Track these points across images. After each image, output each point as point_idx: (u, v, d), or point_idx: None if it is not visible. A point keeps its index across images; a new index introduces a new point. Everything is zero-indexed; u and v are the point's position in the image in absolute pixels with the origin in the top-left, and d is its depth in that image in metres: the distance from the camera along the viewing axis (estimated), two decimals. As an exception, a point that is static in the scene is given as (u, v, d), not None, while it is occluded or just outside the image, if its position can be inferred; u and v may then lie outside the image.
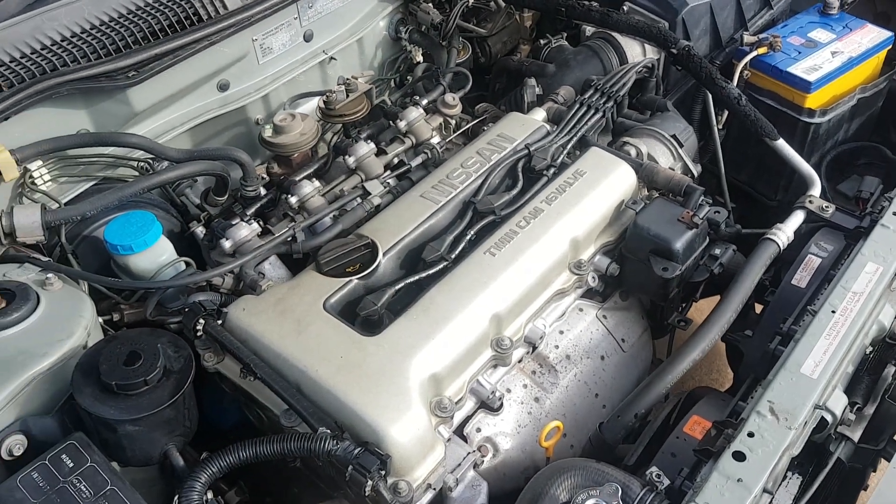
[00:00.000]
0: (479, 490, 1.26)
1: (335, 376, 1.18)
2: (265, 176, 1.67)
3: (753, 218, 1.78)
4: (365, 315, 1.28)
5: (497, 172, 1.52)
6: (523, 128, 1.60)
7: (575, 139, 1.59)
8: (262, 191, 1.62)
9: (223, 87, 1.76)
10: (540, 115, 1.67)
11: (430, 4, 2.03)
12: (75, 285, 1.31)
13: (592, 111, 1.63)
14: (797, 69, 1.79)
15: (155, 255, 1.40)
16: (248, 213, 1.55)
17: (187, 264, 1.42)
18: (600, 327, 1.52)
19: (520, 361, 1.42)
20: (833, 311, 1.27)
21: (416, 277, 1.34)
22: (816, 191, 1.59)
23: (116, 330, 1.38)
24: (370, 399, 1.16)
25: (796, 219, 1.52)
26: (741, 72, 1.82)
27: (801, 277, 1.51)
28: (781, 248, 1.48)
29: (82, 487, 1.05)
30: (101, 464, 1.06)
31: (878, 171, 1.88)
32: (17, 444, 1.11)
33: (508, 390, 1.38)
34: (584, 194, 1.47)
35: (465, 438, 1.31)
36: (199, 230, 1.58)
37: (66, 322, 1.20)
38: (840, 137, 1.91)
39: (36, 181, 1.48)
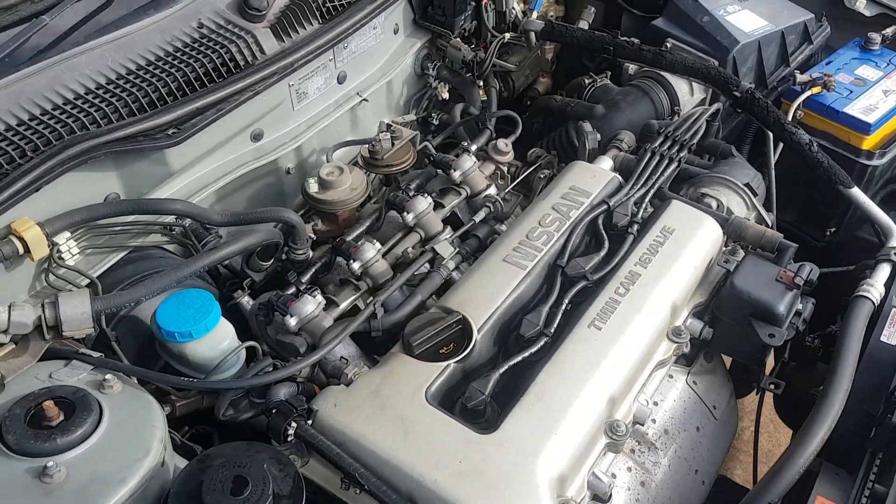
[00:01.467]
0: None
1: (457, 486, 1.04)
2: (312, 235, 1.52)
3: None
4: (472, 406, 1.14)
5: (578, 231, 1.40)
6: (595, 180, 1.50)
7: (653, 192, 1.49)
8: (310, 253, 1.47)
9: (257, 137, 1.59)
10: (607, 163, 1.57)
11: (460, 40, 1.91)
12: (132, 384, 1.14)
13: (666, 160, 1.54)
14: (853, 110, 1.74)
15: (216, 342, 1.23)
16: (303, 281, 1.40)
17: (251, 349, 1.25)
18: (692, 395, 1.43)
19: (636, 452, 1.31)
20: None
21: (520, 358, 1.21)
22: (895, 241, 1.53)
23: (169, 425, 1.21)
24: (500, 512, 1.03)
25: (884, 272, 1.46)
26: (795, 112, 1.76)
27: (891, 333, 1.45)
28: (876, 304, 1.41)
29: None
30: None
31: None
32: None
33: (614, 475, 1.27)
34: (678, 254, 1.37)
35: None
36: (246, 300, 1.42)
37: (139, 435, 1.03)
38: (888, 177, 1.88)
39: (63, 255, 1.29)
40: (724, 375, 1.51)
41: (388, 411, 1.12)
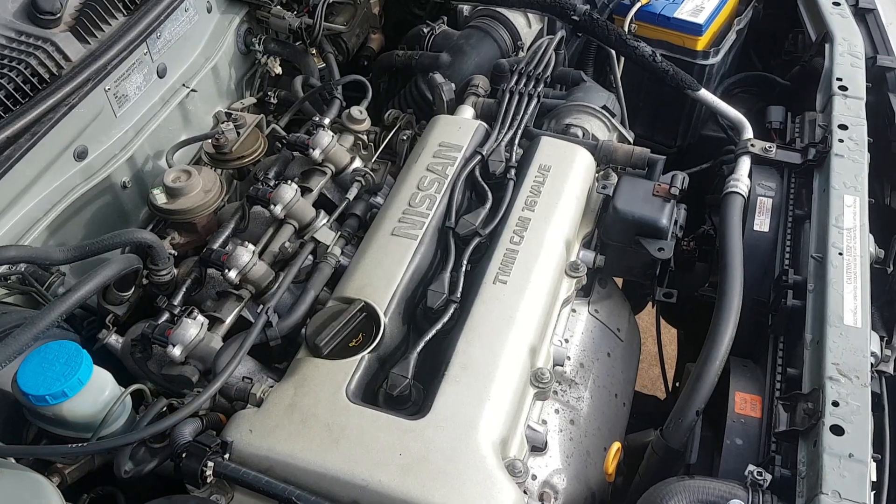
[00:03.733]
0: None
1: (404, 480, 0.98)
2: (172, 251, 1.37)
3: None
4: (398, 393, 1.08)
5: (459, 187, 1.35)
6: (462, 131, 1.44)
7: (520, 132, 1.46)
8: (175, 271, 1.33)
9: (81, 156, 1.41)
10: (468, 112, 1.52)
11: (281, 7, 1.78)
12: (9, 464, 0.98)
13: (526, 98, 1.50)
14: (683, 13, 1.78)
15: (95, 394, 1.08)
16: (175, 304, 1.26)
17: (139, 393, 1.12)
18: (597, 323, 1.43)
19: (567, 384, 1.30)
20: (840, 253, 1.28)
21: (433, 332, 1.15)
22: (750, 133, 1.59)
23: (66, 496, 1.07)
24: (455, 494, 0.98)
25: (746, 165, 1.52)
26: (629, 26, 1.78)
27: (761, 221, 1.51)
28: (745, 197, 1.47)
29: None
30: None
31: (755, 100, 1.95)
32: None
33: (544, 422, 1.25)
34: (561, 190, 1.35)
35: (525, 492, 1.16)
36: (114, 339, 1.27)
37: None
38: (723, 72, 1.95)
39: None
40: (620, 297, 1.53)
41: (312, 422, 1.03)
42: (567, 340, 1.37)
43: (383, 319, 1.15)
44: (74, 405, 1.07)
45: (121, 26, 1.40)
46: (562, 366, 1.27)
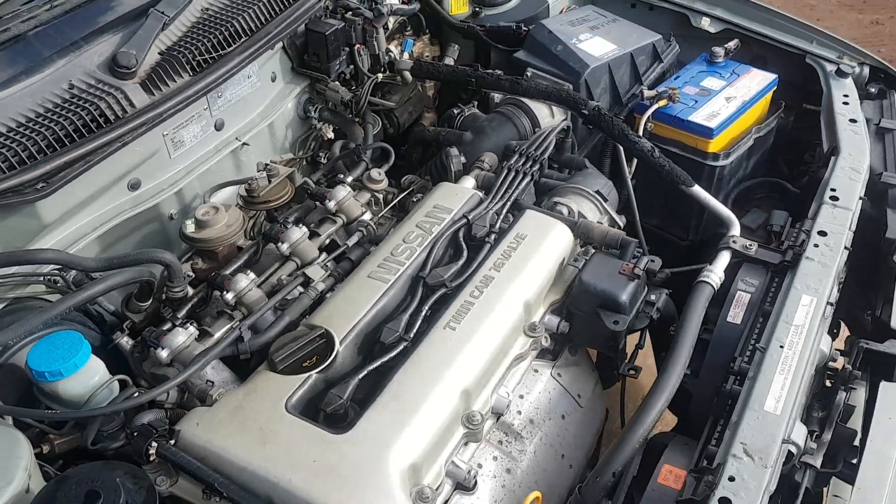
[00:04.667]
0: (470, 577, 1.21)
1: (311, 483, 1.11)
2: (190, 273, 1.59)
3: (667, 259, 1.84)
4: (331, 411, 1.22)
5: (440, 244, 1.51)
6: (457, 197, 1.61)
7: (509, 204, 1.61)
8: (190, 290, 1.54)
9: (134, 187, 1.67)
10: (470, 182, 1.69)
11: (338, 83, 2.03)
12: (1, 421, 1.19)
13: (521, 175, 1.66)
14: (697, 117, 1.89)
15: (86, 378, 1.28)
16: (178, 317, 1.47)
17: (123, 382, 1.32)
18: (557, 386, 1.52)
19: (505, 442, 1.40)
20: (781, 346, 1.33)
21: (378, 363, 1.30)
22: (736, 230, 1.67)
23: (49, 463, 1.26)
24: (352, 502, 1.10)
25: (724, 259, 1.59)
26: (645, 124, 1.91)
27: (735, 314, 1.57)
28: (716, 289, 1.54)
29: None
30: None
31: (775, 204, 2.00)
32: None
33: (480, 465, 1.35)
34: (529, 257, 1.48)
35: (446, 521, 1.26)
36: (125, 341, 1.47)
37: (3, 465, 1.08)
38: (740, 175, 2.03)
39: (-63, 311, 1.35)
40: (588, 367, 1.61)
41: (249, 424, 1.19)
42: (522, 397, 1.47)
43: (338, 346, 1.31)
44: (68, 384, 1.27)
45: (185, 83, 1.67)
46: (503, 415, 1.37)
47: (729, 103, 1.93)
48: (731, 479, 1.14)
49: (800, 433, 1.27)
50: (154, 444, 1.16)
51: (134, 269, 1.41)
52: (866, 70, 2.03)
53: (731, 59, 2.10)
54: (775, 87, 2.04)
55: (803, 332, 1.35)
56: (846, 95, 1.92)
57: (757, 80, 2.01)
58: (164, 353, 1.34)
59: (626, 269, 1.48)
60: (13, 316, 1.41)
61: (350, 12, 2.01)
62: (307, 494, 1.10)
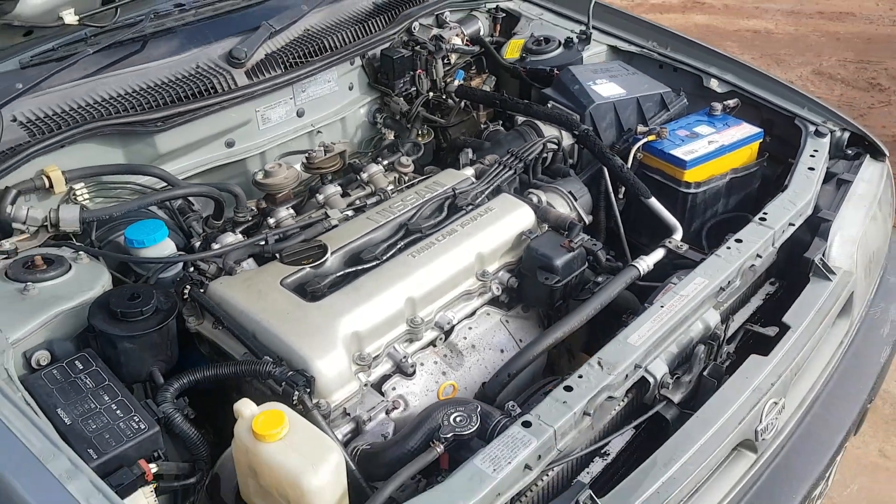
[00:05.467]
0: (387, 428, 1.64)
1: (281, 325, 1.60)
2: (254, 208, 2.15)
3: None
4: (311, 290, 1.71)
5: (428, 205, 1.98)
6: (453, 178, 2.09)
7: (491, 188, 2.07)
8: (250, 218, 2.09)
9: (229, 145, 2.27)
10: (469, 171, 2.16)
11: (401, 98, 2.58)
12: (96, 261, 1.76)
13: (506, 168, 2.12)
14: (677, 152, 2.27)
15: (160, 250, 1.84)
16: (236, 232, 2.02)
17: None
18: (503, 329, 1.93)
19: (434, 345, 1.82)
20: (662, 306, 1.69)
21: (353, 269, 1.78)
22: (678, 235, 2.03)
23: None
24: (305, 341, 1.57)
25: (658, 254, 1.95)
26: (635, 153, 2.31)
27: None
28: (641, 273, 1.90)
29: (87, 381, 1.45)
30: (102, 369, 1.47)
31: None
32: (43, 357, 1.52)
33: (422, 364, 1.77)
34: (491, 223, 1.92)
35: (382, 392, 1.69)
36: (197, 244, 2.04)
37: (89, 282, 1.64)
38: (719, 209, 2.36)
39: (77, 197, 1.96)
40: (535, 323, 2.00)
41: (252, 288, 1.70)
42: (470, 329, 1.88)
43: (329, 255, 1.80)
44: (148, 252, 1.84)
45: (275, 76, 2.27)
46: (445, 331, 1.79)
47: (710, 145, 2.30)
48: (580, 376, 1.51)
49: (659, 369, 1.62)
50: (188, 287, 1.69)
51: (207, 186, 1.98)
52: (846, 135, 2.33)
53: (729, 114, 2.46)
54: (760, 140, 2.37)
55: (684, 300, 1.70)
56: (816, 150, 2.24)
57: (742, 131, 2.36)
58: (216, 246, 1.88)
59: (566, 243, 1.89)
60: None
61: (418, 45, 2.57)
62: (277, 332, 1.58)
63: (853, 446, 2.89)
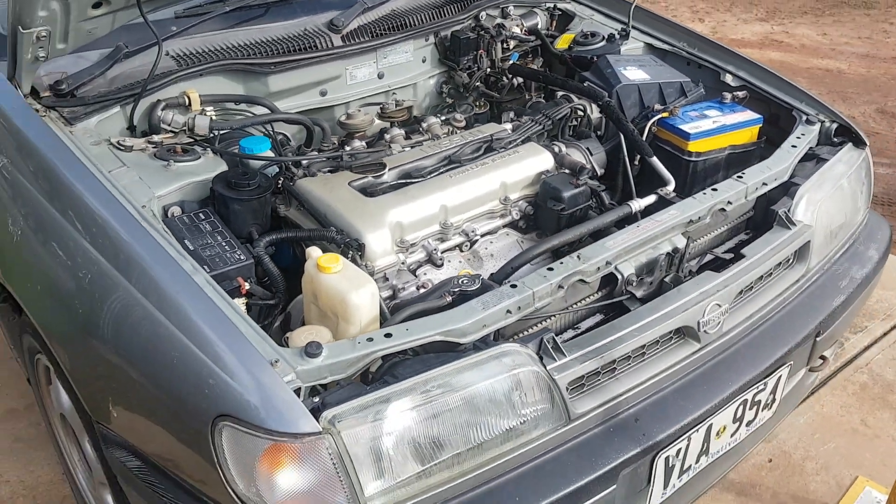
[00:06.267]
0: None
1: (345, 209, 2.15)
2: (335, 142, 2.73)
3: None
4: (370, 191, 2.26)
5: (469, 145, 2.51)
6: (493, 128, 2.62)
7: (522, 138, 2.58)
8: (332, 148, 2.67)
9: (323, 94, 2.87)
10: (507, 125, 2.68)
11: (464, 73, 3.12)
12: (219, 158, 2.36)
13: (536, 124, 2.63)
14: (685, 126, 2.72)
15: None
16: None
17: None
18: (517, 247, 2.42)
19: (461, 250, 2.34)
20: (638, 226, 2.16)
21: (403, 181, 2.32)
22: (670, 187, 2.48)
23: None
24: (360, 221, 2.12)
25: (649, 198, 2.41)
26: (650, 126, 2.78)
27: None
28: (633, 211, 2.36)
29: (206, 226, 2.04)
30: (217, 220, 2.06)
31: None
32: (176, 210, 2.12)
33: (449, 260, 2.29)
34: (517, 161, 2.43)
35: (415, 275, 2.22)
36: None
37: (212, 167, 2.24)
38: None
39: (207, 113, 2.58)
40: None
41: (327, 185, 2.27)
42: (491, 242, 2.39)
43: (386, 170, 2.35)
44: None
45: (362, 41, 2.86)
46: (470, 239, 2.30)
47: (713, 124, 2.74)
48: (561, 263, 2.00)
49: (627, 268, 2.08)
50: (281, 178, 2.27)
51: (307, 119, 2.58)
52: (834, 126, 2.74)
53: (738, 103, 2.90)
54: (759, 125, 2.80)
55: (657, 223, 2.16)
56: (803, 134, 2.66)
57: (744, 116, 2.79)
58: (304, 162, 2.47)
59: (574, 181, 2.38)
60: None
61: (482, 30, 3.12)
62: (342, 213, 2.14)
63: (837, 413, 3.25)
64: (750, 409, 2.24)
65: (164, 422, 1.73)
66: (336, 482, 1.60)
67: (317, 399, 1.62)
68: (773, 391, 2.30)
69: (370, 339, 1.72)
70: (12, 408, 3.21)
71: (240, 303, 1.91)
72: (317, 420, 1.57)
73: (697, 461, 2.16)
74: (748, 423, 2.29)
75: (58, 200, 2.00)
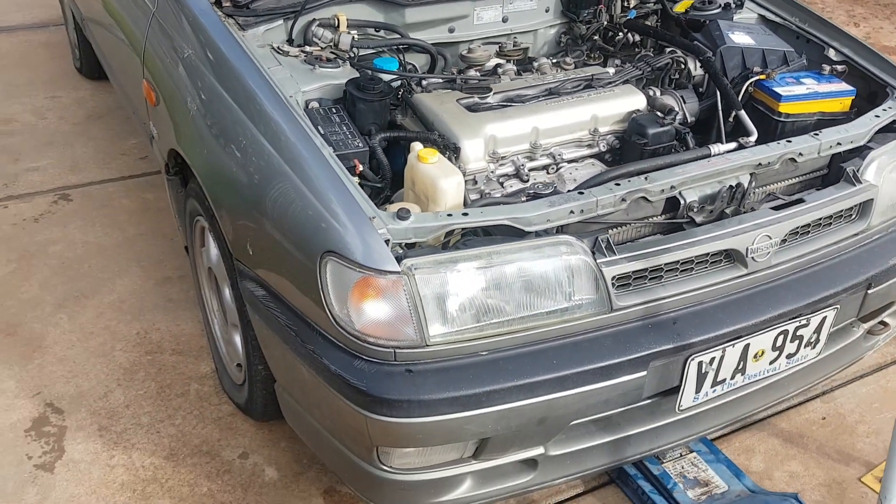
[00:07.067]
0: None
1: (450, 119, 2.53)
2: (455, 71, 3.11)
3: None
4: (473, 108, 2.64)
5: (570, 81, 2.83)
6: (595, 70, 2.92)
7: (621, 80, 2.87)
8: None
9: (451, 30, 3.24)
10: (611, 70, 2.97)
11: (583, 25, 3.42)
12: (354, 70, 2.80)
13: (637, 70, 2.91)
14: (778, 89, 2.91)
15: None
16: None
17: (405, 83, 2.88)
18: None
19: (547, 172, 2.67)
20: (709, 160, 2.41)
21: (504, 104, 2.68)
22: (753, 138, 2.70)
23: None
24: (460, 129, 2.49)
25: (730, 145, 2.64)
26: (747, 86, 2.98)
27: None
28: (711, 154, 2.60)
29: (336, 118, 2.48)
30: (346, 115, 2.50)
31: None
32: (314, 104, 2.58)
33: (535, 179, 2.63)
34: (611, 98, 2.73)
35: (503, 186, 2.58)
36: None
37: (349, 75, 2.69)
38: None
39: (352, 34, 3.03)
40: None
41: (438, 99, 2.64)
42: (577, 168, 2.71)
43: (491, 93, 2.71)
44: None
45: (493, -11, 3.22)
46: (556, 161, 2.63)
47: (807, 90, 2.92)
48: (629, 181, 2.29)
49: (690, 195, 2.35)
50: (402, 90, 2.69)
51: (434, 48, 2.98)
52: (928, 101, 2.85)
53: (835, 76, 3.04)
54: (852, 97, 2.93)
55: (727, 160, 2.41)
56: (890, 107, 2.79)
57: (838, 87, 2.94)
58: (424, 82, 2.87)
59: (660, 120, 2.65)
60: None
61: (605, -13, 3.40)
62: (446, 122, 2.51)
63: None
64: (791, 341, 2.45)
65: (285, 256, 2.20)
66: (408, 317, 2.01)
67: (401, 251, 2.03)
68: (818, 331, 2.50)
69: (450, 215, 2.11)
70: (168, 276, 3.85)
71: (354, 180, 2.35)
72: (398, 264, 1.98)
73: (733, 377, 2.41)
74: (789, 356, 2.50)
75: (227, 84, 2.51)
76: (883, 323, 2.88)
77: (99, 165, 4.69)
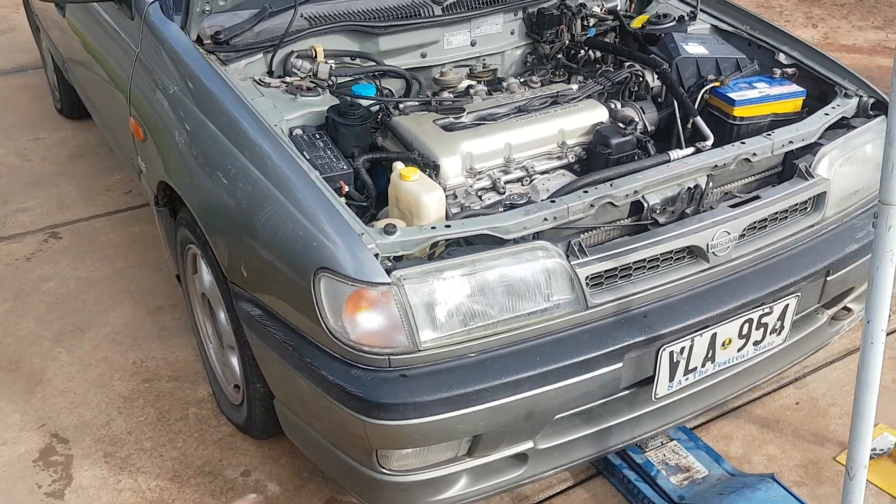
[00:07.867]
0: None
1: (427, 139, 2.69)
2: (429, 94, 3.29)
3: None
4: (449, 128, 2.80)
5: (537, 98, 3.01)
6: (560, 87, 3.10)
7: (584, 96, 3.05)
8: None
9: (423, 56, 3.42)
10: (574, 86, 3.16)
11: (546, 45, 3.61)
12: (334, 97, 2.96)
13: (598, 85, 3.10)
14: (732, 94, 3.11)
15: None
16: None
17: (382, 108, 3.05)
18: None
19: (521, 183, 2.83)
20: (667, 165, 2.59)
21: (477, 122, 2.85)
22: (709, 142, 2.89)
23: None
24: (438, 148, 2.66)
25: (688, 150, 2.83)
26: (702, 94, 3.18)
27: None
28: (671, 159, 2.79)
29: (320, 144, 2.64)
30: (329, 140, 2.66)
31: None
32: (298, 131, 2.73)
33: (510, 191, 2.80)
34: (575, 113, 2.91)
35: (480, 199, 2.74)
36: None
37: (329, 102, 2.85)
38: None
39: (329, 63, 3.19)
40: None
41: (415, 121, 2.81)
42: (549, 179, 2.88)
43: (465, 113, 2.88)
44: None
45: (458, 12, 3.39)
46: (529, 174, 2.80)
47: (759, 94, 3.12)
48: (596, 188, 2.46)
49: (653, 198, 2.52)
50: (381, 114, 2.85)
51: (407, 73, 3.15)
52: (871, 100, 3.06)
53: (786, 78, 3.25)
54: (803, 98, 3.14)
55: (685, 164, 2.59)
56: (838, 105, 3.00)
57: (789, 89, 3.15)
58: (400, 105, 3.03)
59: (622, 130, 2.84)
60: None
61: (566, 8, 3.60)
62: (424, 142, 2.67)
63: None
64: (756, 329, 2.63)
65: (279, 275, 2.34)
66: (400, 325, 2.15)
67: (390, 263, 2.18)
68: (781, 318, 2.68)
69: (433, 228, 2.27)
70: (160, 305, 3.96)
71: (341, 201, 2.50)
72: (388, 276, 2.13)
73: (704, 365, 2.58)
74: (756, 343, 2.67)
75: (213, 116, 2.66)
76: (846, 308, 3.06)
77: (85, 202, 4.81)
